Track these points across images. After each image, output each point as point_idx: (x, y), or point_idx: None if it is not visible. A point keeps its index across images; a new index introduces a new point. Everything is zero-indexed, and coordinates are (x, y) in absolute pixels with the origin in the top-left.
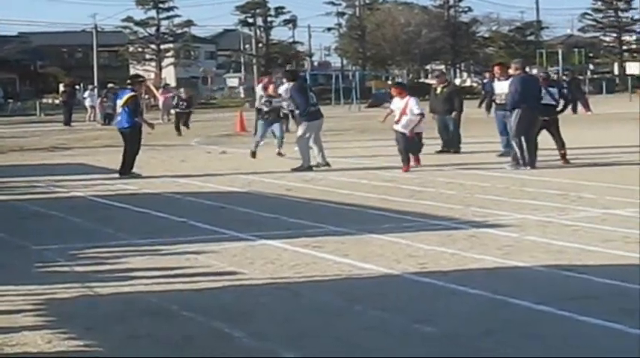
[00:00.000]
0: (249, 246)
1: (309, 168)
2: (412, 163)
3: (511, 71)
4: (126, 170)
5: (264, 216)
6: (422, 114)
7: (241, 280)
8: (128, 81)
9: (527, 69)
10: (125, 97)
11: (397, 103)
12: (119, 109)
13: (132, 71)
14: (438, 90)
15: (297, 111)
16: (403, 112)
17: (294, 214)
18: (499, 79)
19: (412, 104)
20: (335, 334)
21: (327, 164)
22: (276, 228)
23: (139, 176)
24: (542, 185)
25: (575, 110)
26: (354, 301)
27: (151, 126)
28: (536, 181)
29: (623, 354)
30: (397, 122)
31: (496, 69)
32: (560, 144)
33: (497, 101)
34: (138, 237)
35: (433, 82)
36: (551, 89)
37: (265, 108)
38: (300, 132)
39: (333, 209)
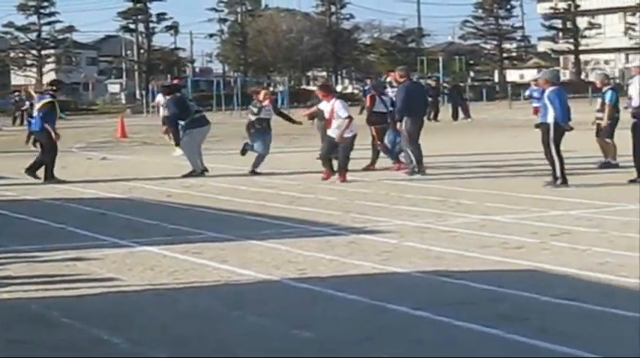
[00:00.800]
0: (129, 253)
1: (202, 174)
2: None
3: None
4: (48, 175)
5: (145, 222)
6: (350, 117)
7: (120, 286)
8: (49, 87)
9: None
10: (42, 102)
11: (324, 106)
12: (35, 113)
13: (12, 77)
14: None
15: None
16: (331, 116)
17: (174, 220)
18: (392, 86)
19: (338, 107)
20: (213, 339)
21: (205, 170)
22: (156, 234)
23: (62, 181)
24: (422, 191)
25: (455, 117)
26: (233, 307)
27: (57, 135)
28: (415, 188)
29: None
30: (328, 126)
31: (390, 75)
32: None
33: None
34: (17, 243)
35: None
36: (384, 97)
37: (253, 118)
38: (185, 139)
39: (212, 215)
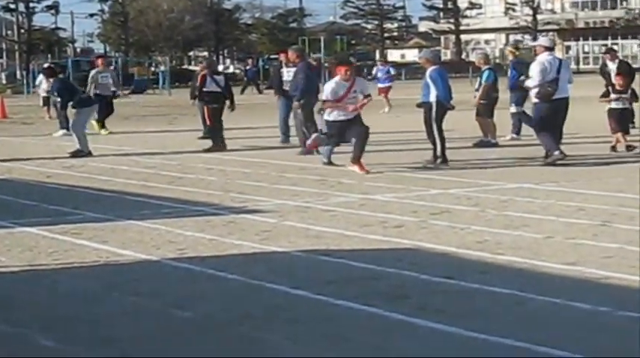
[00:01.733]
0: (7, 234)
1: (89, 154)
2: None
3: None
4: None
5: (23, 203)
6: (370, 96)
7: None
8: None
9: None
10: None
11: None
12: None
13: None
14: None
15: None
16: (345, 95)
17: (53, 201)
18: (287, 66)
19: (363, 85)
20: (91, 320)
21: (90, 152)
22: (34, 215)
23: None
24: (302, 171)
25: None
26: (111, 287)
27: None
28: (296, 167)
29: (377, 336)
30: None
31: (283, 55)
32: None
33: (285, 88)
34: None
35: (198, 68)
36: (216, 77)
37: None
38: (75, 119)
39: (92, 195)
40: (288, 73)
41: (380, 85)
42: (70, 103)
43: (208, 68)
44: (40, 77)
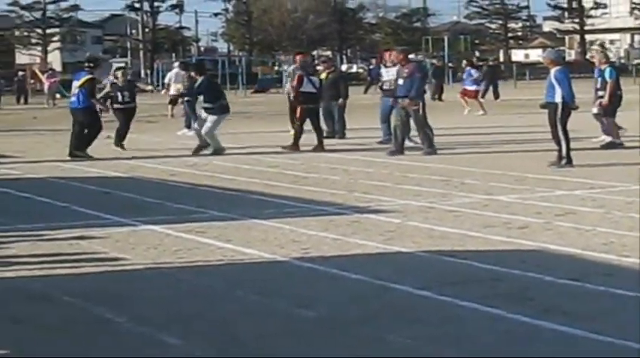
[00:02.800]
0: (132, 232)
1: (223, 150)
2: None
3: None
4: (80, 147)
5: (148, 201)
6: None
7: (124, 265)
8: (86, 63)
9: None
10: (83, 79)
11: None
12: (75, 90)
13: (17, 56)
14: (324, 75)
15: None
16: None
17: (177, 199)
18: (386, 66)
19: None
20: (216, 318)
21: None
22: (159, 213)
23: (90, 157)
24: (426, 171)
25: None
26: (236, 286)
27: (106, 108)
28: (419, 167)
29: (500, 337)
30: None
31: (386, 55)
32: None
33: (385, 87)
34: (20, 222)
35: (319, 67)
36: (312, 78)
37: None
38: (210, 124)
39: (216, 194)
40: (387, 73)
41: (466, 87)
42: (208, 105)
43: (303, 69)
44: (171, 74)
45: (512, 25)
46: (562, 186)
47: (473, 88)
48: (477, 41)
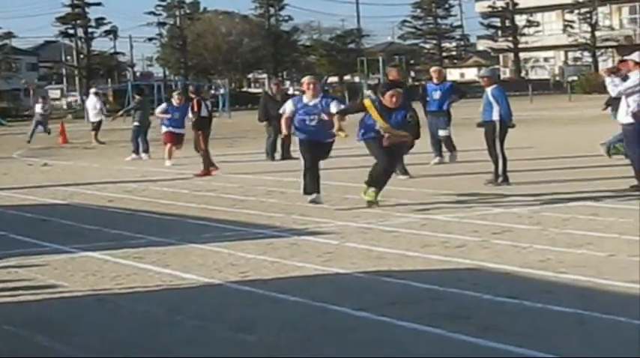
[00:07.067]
0: (70, 259)
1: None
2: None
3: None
4: None
5: (86, 227)
6: None
7: (62, 293)
8: None
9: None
10: None
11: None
12: None
13: None
14: (278, 97)
15: None
16: None
17: (115, 225)
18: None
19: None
20: (155, 344)
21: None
22: (97, 239)
23: None
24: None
25: None
26: (175, 311)
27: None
28: (357, 188)
29: (441, 356)
30: None
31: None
32: None
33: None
34: None
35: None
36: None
37: None
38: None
39: (154, 219)
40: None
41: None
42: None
43: (197, 94)
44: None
45: (446, 44)
46: (499, 204)
47: None
48: (412, 61)
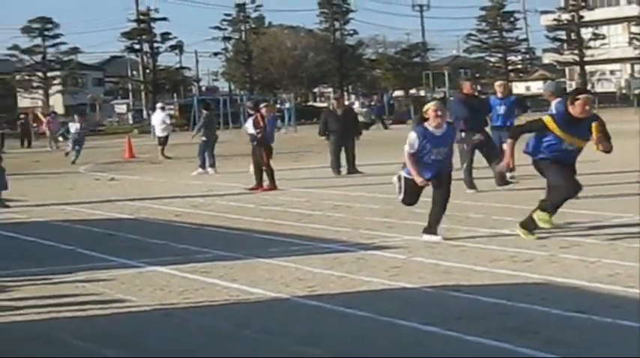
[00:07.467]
0: (137, 273)
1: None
2: None
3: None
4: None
5: (153, 242)
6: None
7: (130, 307)
8: None
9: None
10: None
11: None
12: None
13: (20, 99)
14: (339, 112)
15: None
16: None
17: (182, 240)
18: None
19: None
20: None
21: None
22: (164, 254)
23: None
24: (430, 206)
25: None
26: (242, 325)
27: None
28: (423, 203)
29: None
30: None
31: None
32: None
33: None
34: (26, 265)
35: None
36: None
37: None
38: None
39: (221, 234)
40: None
41: None
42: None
43: (256, 109)
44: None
45: (511, 57)
46: (567, 218)
47: None
48: (477, 75)
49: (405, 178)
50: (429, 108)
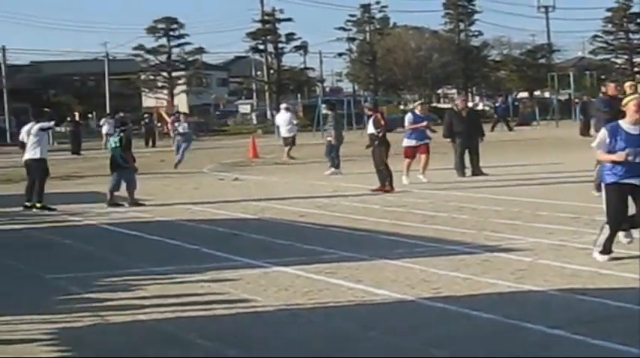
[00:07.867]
0: (263, 273)
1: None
2: None
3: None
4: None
5: (278, 242)
6: None
7: (255, 307)
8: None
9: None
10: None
11: None
12: None
13: (144, 99)
14: (464, 114)
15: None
16: None
17: (307, 240)
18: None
19: None
20: None
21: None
22: (289, 254)
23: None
24: (556, 208)
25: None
26: (368, 327)
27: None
28: (549, 204)
29: None
30: None
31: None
32: None
33: None
34: (151, 264)
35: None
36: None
37: None
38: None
39: (345, 235)
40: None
41: None
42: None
43: (375, 110)
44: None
45: (638, 59)
46: None
47: None
48: (603, 77)
49: (606, 186)
50: (630, 101)
